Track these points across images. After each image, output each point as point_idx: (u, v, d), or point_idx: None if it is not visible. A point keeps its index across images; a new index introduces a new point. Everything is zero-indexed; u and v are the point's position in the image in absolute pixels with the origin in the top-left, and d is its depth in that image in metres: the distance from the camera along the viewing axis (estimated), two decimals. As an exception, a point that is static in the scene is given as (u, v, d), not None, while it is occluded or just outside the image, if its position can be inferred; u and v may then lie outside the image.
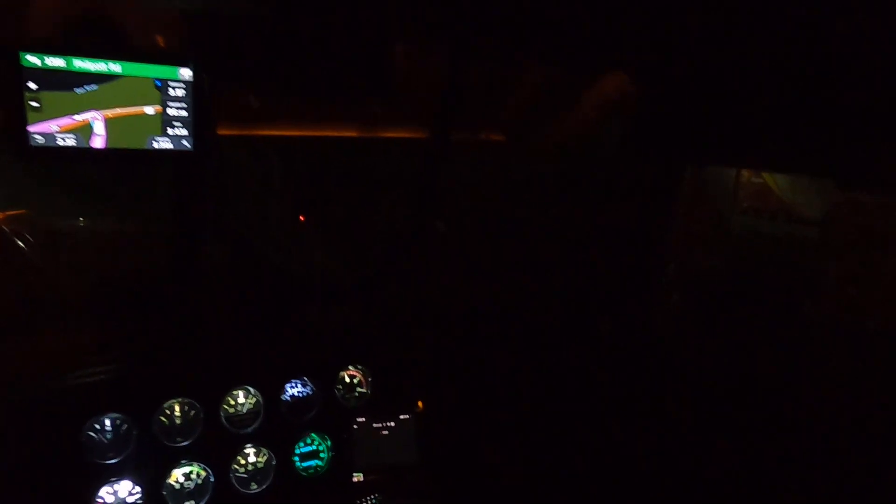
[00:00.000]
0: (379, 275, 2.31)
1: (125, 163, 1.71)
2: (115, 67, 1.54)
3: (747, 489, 2.30)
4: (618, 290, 2.77)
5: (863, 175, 2.25)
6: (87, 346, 1.90)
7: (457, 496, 2.28)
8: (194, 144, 1.70)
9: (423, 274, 2.54)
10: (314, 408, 2.10)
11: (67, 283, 2.03)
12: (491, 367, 2.41)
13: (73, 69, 1.50)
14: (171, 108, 1.65)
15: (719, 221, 3.03)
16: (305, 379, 2.10)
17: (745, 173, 3.00)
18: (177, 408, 1.90)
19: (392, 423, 2.19)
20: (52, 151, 1.55)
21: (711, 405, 2.47)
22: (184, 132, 1.68)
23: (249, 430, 1.99)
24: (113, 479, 1.79)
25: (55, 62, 1.48)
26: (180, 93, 1.65)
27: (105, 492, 1.79)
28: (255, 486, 1.99)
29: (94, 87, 1.53)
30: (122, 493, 1.81)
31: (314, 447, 2.10)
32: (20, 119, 1.48)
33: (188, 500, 1.89)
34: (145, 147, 1.64)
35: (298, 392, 2.10)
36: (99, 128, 1.57)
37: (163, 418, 1.88)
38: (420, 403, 2.24)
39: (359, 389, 2.19)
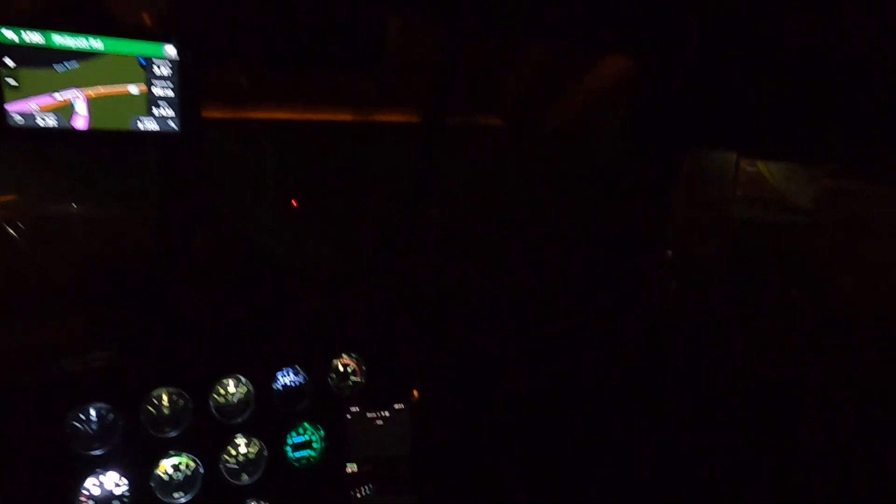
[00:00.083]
0: (372, 262, 2.27)
1: (109, 145, 1.65)
2: (96, 44, 1.48)
3: (747, 484, 2.27)
4: (615, 279, 2.73)
5: (859, 162, 2.23)
6: (71, 334, 1.85)
7: (452, 487, 2.25)
8: (181, 126, 1.64)
9: (419, 261, 2.50)
10: (307, 397, 2.05)
11: (51, 270, 1.98)
12: (487, 357, 2.38)
13: (52, 45, 1.44)
14: (156, 87, 1.59)
15: (715, 209, 3.01)
16: (298, 368, 2.05)
17: (732, 160, 2.98)
18: (165, 397, 1.85)
19: (386, 413, 2.15)
20: (32, 132, 1.49)
21: (709, 393, 2.44)
22: (170, 113, 1.62)
23: (240, 420, 1.94)
24: (99, 471, 1.75)
25: (33, 38, 1.42)
26: (166, 71, 1.59)
27: (91, 484, 1.74)
28: (247, 478, 1.95)
29: (74, 64, 1.47)
30: (109, 486, 1.76)
31: (307, 437, 2.05)
32: (-3, 98, 1.42)
33: (177, 492, 1.85)
34: (130, 128, 1.58)
35: (290, 381, 2.05)
36: (81, 108, 1.51)
37: (150, 408, 1.83)
38: (415, 393, 2.20)
39: (352, 378, 2.15)
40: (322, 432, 2.06)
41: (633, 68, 2.41)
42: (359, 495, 2.10)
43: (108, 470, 1.76)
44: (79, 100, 1.50)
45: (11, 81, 1.42)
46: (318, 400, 2.06)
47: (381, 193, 2.54)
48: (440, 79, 2.17)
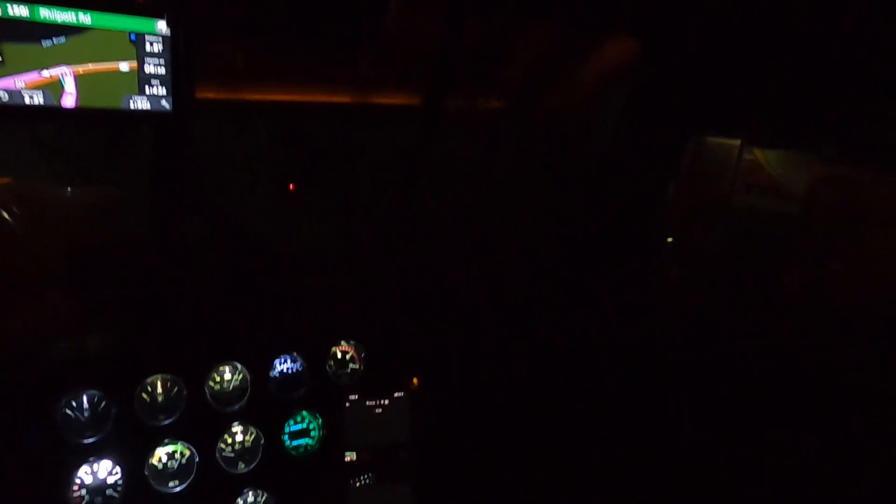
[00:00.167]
0: (369, 247, 2.23)
1: (99, 124, 1.60)
2: (84, 18, 1.43)
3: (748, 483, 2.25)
4: (616, 265, 2.70)
5: (863, 149, 2.19)
6: (63, 319, 1.80)
7: (452, 475, 2.21)
8: (174, 105, 1.59)
9: (418, 247, 2.46)
10: (304, 385, 2.01)
11: (42, 254, 1.93)
12: (487, 344, 2.34)
13: (38, 19, 1.39)
14: (147, 64, 1.54)
15: (714, 196, 2.98)
16: (295, 354, 2.01)
17: (735, 147, 2.95)
18: (159, 384, 1.81)
19: (386, 401, 2.11)
20: (19, 110, 1.44)
21: (710, 382, 2.41)
22: (162, 91, 1.57)
23: (236, 407, 1.90)
24: (92, 459, 1.71)
25: (18, 11, 1.36)
26: (157, 48, 1.53)
27: (83, 472, 1.70)
28: (243, 466, 1.91)
29: (62, 39, 1.42)
30: (102, 474, 1.72)
31: (304, 425, 2.02)
32: (-19, 74, 1.37)
33: (172, 481, 1.81)
34: (121, 107, 1.54)
35: (288, 368, 2.01)
36: (69, 85, 1.46)
37: (144, 395, 1.79)
38: (415, 380, 2.16)
39: (351, 366, 2.11)
40: (320, 420, 2.03)
41: (638, 51, 2.36)
42: (358, 484, 2.07)
43: (101, 458, 1.72)
44: (67, 76, 1.45)
45: (-4, 56, 1.37)
46: (317, 388, 2.02)
47: (378, 177, 2.49)
48: (440, 60, 2.12)
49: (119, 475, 1.74)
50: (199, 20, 1.55)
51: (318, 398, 2.02)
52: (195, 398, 1.84)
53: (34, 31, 1.39)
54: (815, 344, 2.32)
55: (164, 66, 1.55)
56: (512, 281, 2.62)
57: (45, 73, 1.43)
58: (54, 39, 1.41)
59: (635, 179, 2.56)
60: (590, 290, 2.62)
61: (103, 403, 1.73)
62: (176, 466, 1.82)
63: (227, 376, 1.91)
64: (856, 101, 2.04)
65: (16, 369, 1.67)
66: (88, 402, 1.72)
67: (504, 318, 2.41)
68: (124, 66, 1.51)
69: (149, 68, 1.54)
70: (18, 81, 1.41)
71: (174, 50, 1.54)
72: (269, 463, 1.93)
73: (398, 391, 2.13)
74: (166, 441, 1.80)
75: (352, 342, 2.11)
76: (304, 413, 2.01)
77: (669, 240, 2.87)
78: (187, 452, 1.83)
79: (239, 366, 1.92)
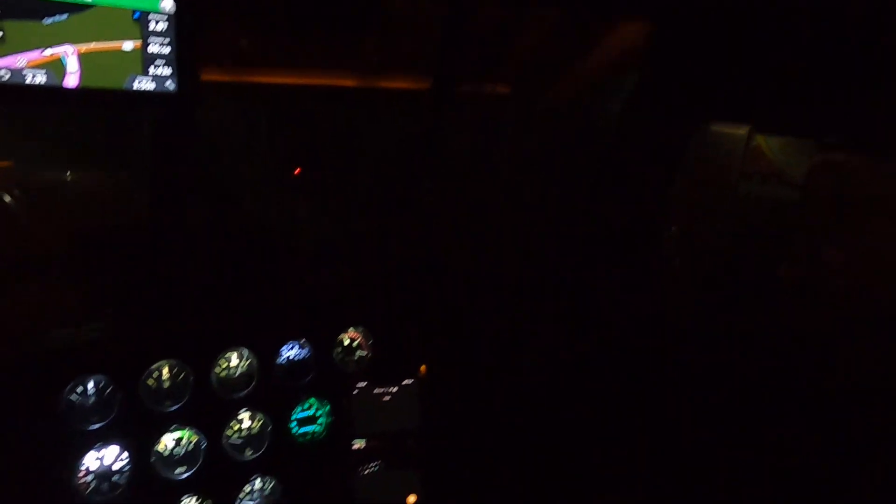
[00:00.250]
0: (376, 233, 2.21)
1: (101, 105, 1.57)
2: (86, -6, 1.40)
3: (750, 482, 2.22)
4: (620, 253, 2.68)
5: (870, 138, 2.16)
6: (69, 305, 1.79)
7: (460, 463, 2.19)
8: (179, 86, 1.56)
9: (424, 234, 2.43)
10: (311, 372, 1.99)
11: (46, 239, 1.91)
12: (496, 331, 2.32)
13: (39, -5, 1.36)
14: (152, 43, 1.50)
15: (718, 185, 2.95)
16: (303, 341, 1.99)
17: (742, 136, 2.92)
18: (165, 370, 1.79)
19: (394, 389, 2.09)
20: (21, 90, 1.41)
21: (712, 379, 2.39)
22: (167, 72, 1.54)
23: (243, 394, 1.88)
24: (98, 445, 1.69)
25: (19, -14, 1.34)
26: (162, 27, 1.50)
27: (90, 458, 1.68)
28: (251, 453, 1.90)
29: (63, 16, 1.38)
30: (108, 460, 1.70)
31: (312, 412, 2.00)
32: (-19, 52, 1.34)
33: (179, 467, 1.79)
34: (124, 87, 1.51)
35: (295, 355, 1.99)
36: (72, 64, 1.43)
37: (150, 381, 1.77)
38: (423, 368, 2.14)
39: (359, 353, 2.09)
40: (328, 407, 2.01)
41: (648, 36, 2.33)
42: (366, 471, 2.05)
43: (107, 444, 1.70)
44: (70, 55, 1.42)
45: (-4, 33, 1.35)
46: (324, 374, 2.00)
47: (385, 163, 2.47)
48: (447, 44, 2.09)
49: (126, 461, 1.72)
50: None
51: (325, 385, 2.00)
52: (201, 384, 1.82)
53: (36, 8, 1.36)
54: (817, 339, 2.29)
55: (169, 45, 1.52)
56: (519, 269, 2.60)
57: (48, 52, 1.40)
58: (56, 17, 1.38)
59: (640, 171, 2.54)
60: (596, 280, 2.60)
61: (109, 389, 1.71)
62: (183, 453, 1.80)
63: (234, 362, 1.89)
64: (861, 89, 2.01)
65: (22, 355, 1.65)
66: (94, 388, 1.70)
67: (511, 305, 2.39)
68: (128, 45, 1.48)
69: (153, 48, 1.51)
70: (20, 59, 1.38)
71: (180, 29, 1.51)
72: (277, 450, 1.92)
73: (406, 379, 2.11)
74: (173, 427, 1.78)
75: (359, 329, 2.08)
76: (312, 400, 1.99)
77: (673, 228, 2.85)
78: (194, 439, 1.81)
79: (246, 352, 1.90)
